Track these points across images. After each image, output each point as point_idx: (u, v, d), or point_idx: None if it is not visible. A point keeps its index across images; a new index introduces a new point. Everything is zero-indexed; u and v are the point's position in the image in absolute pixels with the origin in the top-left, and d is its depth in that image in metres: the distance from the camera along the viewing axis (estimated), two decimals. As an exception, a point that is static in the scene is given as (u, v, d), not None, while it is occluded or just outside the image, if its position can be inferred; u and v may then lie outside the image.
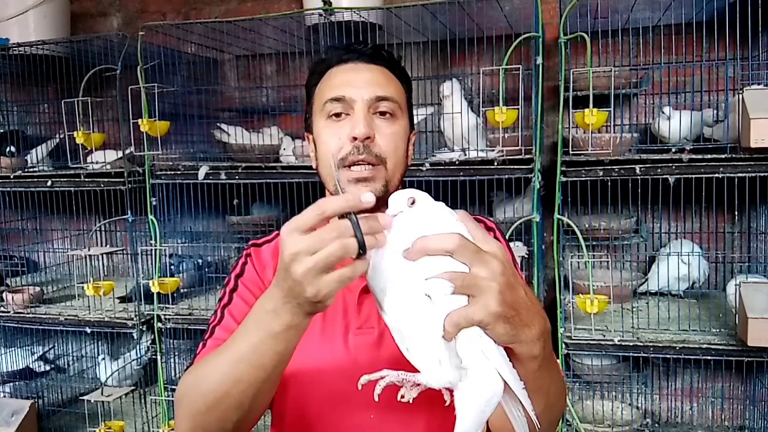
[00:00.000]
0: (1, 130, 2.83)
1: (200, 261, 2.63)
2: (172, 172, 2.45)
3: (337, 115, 1.06)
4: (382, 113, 1.06)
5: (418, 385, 0.77)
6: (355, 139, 1.02)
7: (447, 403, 0.76)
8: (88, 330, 2.58)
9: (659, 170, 2.02)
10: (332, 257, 0.70)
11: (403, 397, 0.77)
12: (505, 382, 0.73)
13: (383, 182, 1.05)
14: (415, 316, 0.73)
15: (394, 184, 1.08)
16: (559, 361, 1.62)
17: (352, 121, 1.04)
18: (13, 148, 2.68)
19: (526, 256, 2.19)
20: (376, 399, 0.76)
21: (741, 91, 1.92)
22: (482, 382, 0.73)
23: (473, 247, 0.72)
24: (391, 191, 1.05)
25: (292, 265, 0.72)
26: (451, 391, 0.76)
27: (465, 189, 2.15)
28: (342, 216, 0.73)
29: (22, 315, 2.63)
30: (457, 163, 2.16)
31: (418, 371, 0.76)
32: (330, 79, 1.09)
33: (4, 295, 2.67)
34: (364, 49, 1.10)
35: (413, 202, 0.79)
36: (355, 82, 1.06)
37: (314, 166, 1.14)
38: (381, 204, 1.06)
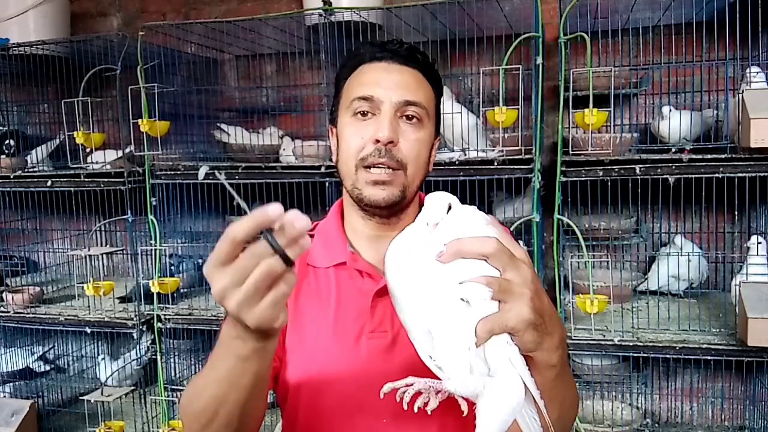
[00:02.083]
0: (3, 129, 2.83)
1: (200, 261, 2.63)
2: (172, 172, 2.45)
3: (363, 113, 1.04)
4: (409, 118, 1.04)
5: (439, 392, 0.75)
6: (377, 141, 1.01)
7: (465, 413, 0.75)
8: (88, 330, 2.58)
9: (659, 170, 2.02)
10: (260, 283, 0.66)
11: (426, 405, 0.75)
12: (526, 391, 0.72)
13: (401, 187, 1.03)
14: (448, 320, 0.71)
15: (413, 190, 1.06)
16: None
17: (377, 123, 1.02)
18: (12, 142, 2.68)
19: (526, 256, 2.19)
20: (406, 408, 0.74)
21: (741, 91, 1.92)
22: (509, 390, 0.72)
23: (509, 252, 0.71)
24: (408, 197, 1.05)
25: (224, 302, 0.68)
26: (467, 399, 0.74)
27: (465, 189, 2.14)
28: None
29: (22, 315, 2.63)
30: (457, 163, 2.16)
31: (437, 378, 0.74)
32: (360, 75, 1.06)
33: (4, 295, 2.67)
34: (399, 49, 1.06)
35: (449, 208, 0.77)
36: (385, 83, 1.03)
37: (334, 161, 1.12)
38: (396, 210, 1.06)
